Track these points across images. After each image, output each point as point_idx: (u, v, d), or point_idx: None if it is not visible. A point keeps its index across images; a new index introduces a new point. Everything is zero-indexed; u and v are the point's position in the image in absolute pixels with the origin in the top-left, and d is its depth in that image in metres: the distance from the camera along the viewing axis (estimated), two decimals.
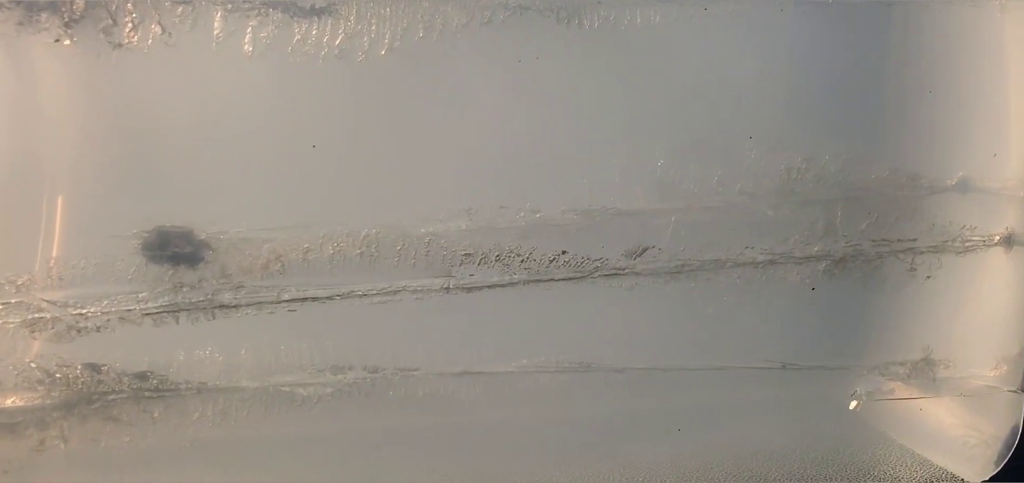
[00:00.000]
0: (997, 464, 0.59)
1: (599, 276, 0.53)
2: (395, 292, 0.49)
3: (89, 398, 0.48)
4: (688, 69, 0.53)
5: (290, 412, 0.51)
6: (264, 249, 0.47)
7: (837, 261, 0.56)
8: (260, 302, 0.47)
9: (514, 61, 0.50)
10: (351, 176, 0.48)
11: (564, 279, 0.52)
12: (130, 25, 0.44)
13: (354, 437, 0.52)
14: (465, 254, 0.50)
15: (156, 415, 0.49)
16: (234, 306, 0.47)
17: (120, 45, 0.44)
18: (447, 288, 0.50)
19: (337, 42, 0.47)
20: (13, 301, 0.45)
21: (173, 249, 0.47)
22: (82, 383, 0.47)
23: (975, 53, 0.57)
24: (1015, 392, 0.59)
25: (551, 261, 0.52)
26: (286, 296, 0.48)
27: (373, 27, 0.48)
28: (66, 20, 0.43)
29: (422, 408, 0.53)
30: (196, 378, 0.49)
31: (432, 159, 0.50)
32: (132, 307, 0.46)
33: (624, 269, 0.53)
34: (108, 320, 0.46)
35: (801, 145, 0.55)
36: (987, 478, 0.60)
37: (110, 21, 0.43)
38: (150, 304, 0.46)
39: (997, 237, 0.58)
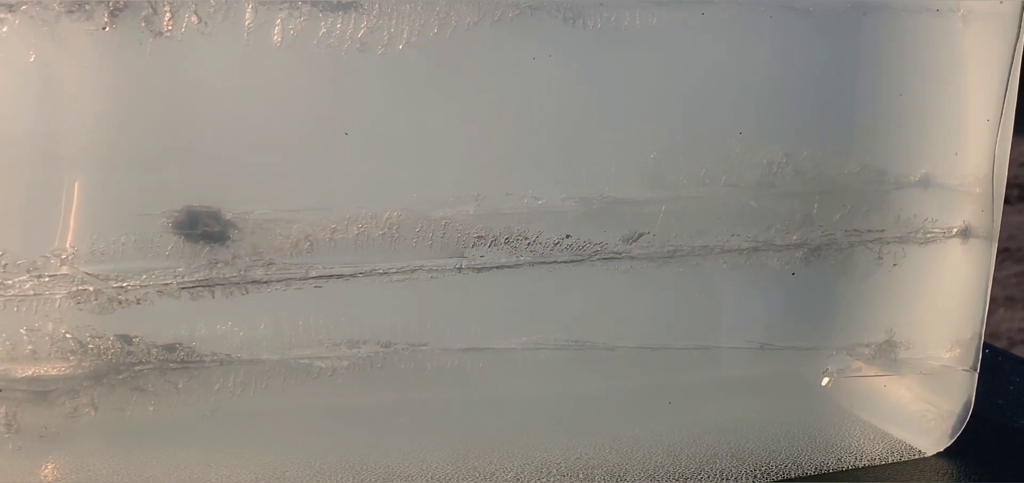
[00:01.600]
0: (952, 436, 0.64)
1: (598, 259, 0.56)
2: (412, 270, 0.52)
3: (118, 368, 0.50)
4: (681, 69, 0.56)
5: (307, 383, 0.53)
6: (293, 229, 0.50)
7: (813, 249, 0.60)
8: (289, 278, 0.50)
9: (523, 57, 0.53)
10: (373, 162, 0.51)
11: (566, 261, 0.56)
12: (169, 14, 0.46)
13: (368, 408, 0.55)
14: (478, 236, 0.53)
15: (180, 385, 0.51)
16: (265, 282, 0.50)
17: (160, 33, 0.46)
18: (459, 268, 0.53)
19: (359, 35, 0.50)
20: (59, 274, 0.47)
21: (202, 227, 0.49)
22: (112, 354, 0.50)
23: (939, 60, 0.61)
24: (968, 371, 0.64)
25: (555, 244, 0.55)
26: (313, 273, 0.51)
27: (393, 23, 0.50)
28: (111, 9, 0.45)
29: (430, 382, 0.56)
30: (221, 351, 0.51)
31: (445, 147, 0.53)
32: (169, 281, 0.48)
33: (621, 253, 0.57)
34: (147, 293, 0.48)
35: (782, 142, 0.58)
36: (942, 449, 0.65)
37: (151, 10, 0.46)
38: (186, 278, 0.49)
39: (955, 230, 0.63)
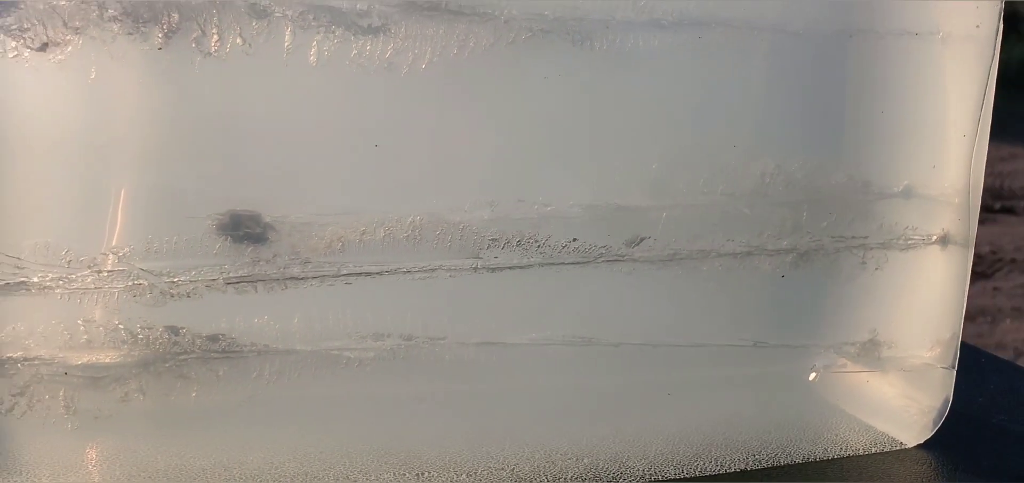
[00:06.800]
0: (931, 430, 0.68)
1: (603, 261, 0.61)
2: (433, 269, 0.57)
3: (165, 357, 0.55)
4: (681, 87, 0.61)
5: (336, 373, 0.58)
6: (327, 231, 0.54)
7: (802, 254, 0.65)
8: (323, 275, 0.55)
9: (535, 76, 0.57)
10: (399, 170, 0.56)
11: (573, 263, 0.60)
12: (216, 36, 0.51)
13: (391, 397, 0.60)
14: (492, 239, 0.58)
15: (221, 373, 0.56)
16: (302, 278, 0.54)
17: (208, 54, 0.51)
18: (475, 268, 0.58)
19: (387, 56, 0.54)
20: (117, 269, 0.51)
21: (244, 229, 0.54)
22: (160, 343, 0.54)
23: (919, 80, 0.65)
24: (947, 369, 0.68)
25: (563, 247, 0.60)
26: (345, 271, 0.55)
27: (417, 45, 0.55)
28: (165, 31, 0.50)
29: (447, 373, 0.61)
30: (259, 341, 0.56)
31: (464, 157, 0.58)
32: (216, 277, 0.53)
33: (624, 256, 0.61)
34: (196, 288, 0.53)
35: (774, 154, 0.63)
36: (922, 441, 0.69)
37: (200, 33, 0.50)
38: (231, 274, 0.53)
39: (934, 237, 0.67)
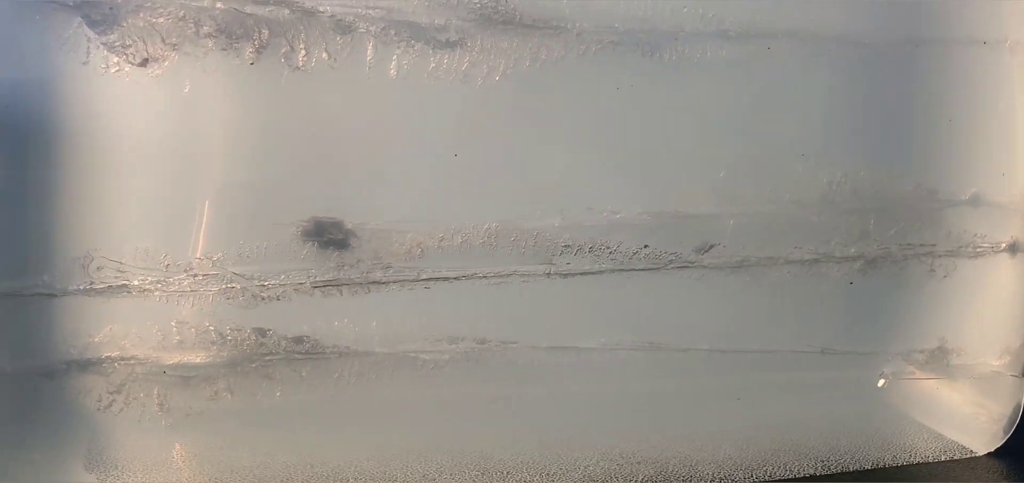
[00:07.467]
0: (1002, 438, 0.67)
1: (672, 268, 0.62)
2: (507, 275, 0.59)
3: (251, 358, 0.57)
4: (748, 97, 0.61)
5: (412, 375, 0.60)
6: (407, 237, 0.56)
7: (870, 261, 0.65)
8: (404, 280, 0.57)
9: (606, 87, 0.59)
10: (475, 179, 0.57)
11: (643, 269, 0.62)
12: (304, 52, 0.53)
13: (464, 399, 0.62)
14: (565, 245, 0.60)
15: (304, 374, 0.59)
16: (384, 282, 0.57)
17: (296, 68, 0.53)
18: (548, 274, 0.60)
19: (462, 69, 0.56)
20: (211, 273, 0.54)
21: (327, 235, 0.56)
22: (248, 345, 0.57)
23: (987, 87, 0.65)
24: (1017, 377, 0.68)
25: (634, 254, 0.61)
26: (424, 276, 0.57)
27: (491, 57, 0.57)
28: (256, 46, 0.52)
29: (519, 377, 0.62)
30: (341, 343, 0.58)
31: (536, 166, 0.59)
32: (303, 281, 0.55)
33: (693, 263, 0.62)
34: (285, 291, 0.55)
35: (841, 163, 0.64)
36: (992, 449, 0.68)
37: (289, 48, 0.53)
38: (318, 278, 0.56)
39: (1003, 245, 0.67)
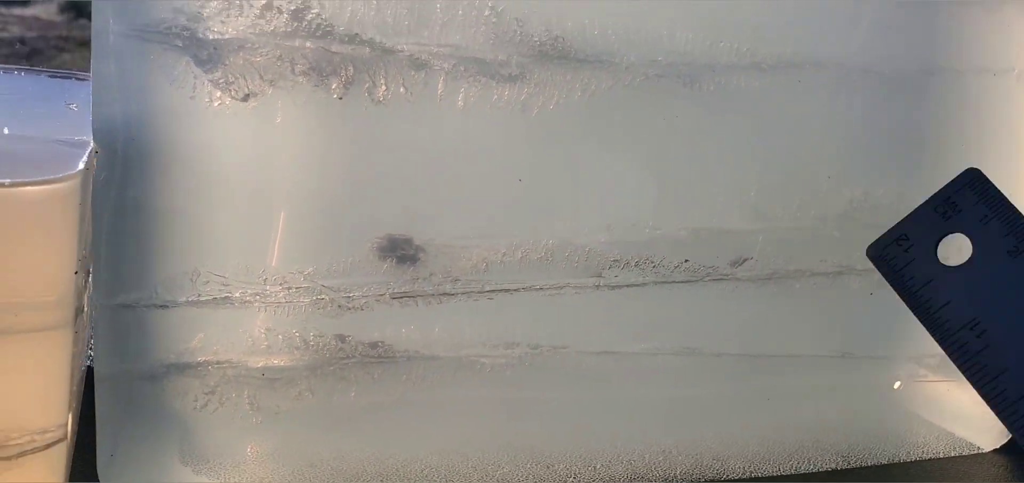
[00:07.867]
0: (1007, 436, 0.73)
1: (709, 280, 0.68)
2: (561, 287, 0.65)
3: (330, 361, 0.63)
4: (778, 123, 0.66)
5: (473, 377, 0.66)
6: (474, 253, 0.62)
7: None
8: (470, 292, 0.63)
9: (648, 115, 0.64)
10: (533, 200, 0.63)
11: (683, 282, 0.67)
12: (384, 86, 0.59)
13: (520, 400, 0.68)
14: (614, 260, 0.65)
15: (376, 376, 0.64)
16: (453, 294, 0.62)
17: (378, 102, 0.59)
18: (597, 286, 0.66)
19: (521, 100, 0.61)
20: (304, 286, 0.60)
21: (399, 251, 0.62)
22: (328, 349, 0.63)
23: (996, 114, 0.71)
24: None
25: (675, 267, 0.67)
26: (488, 288, 0.63)
27: (546, 89, 0.61)
28: (343, 82, 0.58)
29: (569, 379, 0.68)
30: (410, 348, 0.64)
31: (588, 187, 0.65)
32: (383, 292, 0.61)
33: (728, 275, 0.68)
34: (367, 301, 0.61)
35: (861, 182, 0.69)
36: (998, 446, 0.74)
37: (371, 83, 0.58)
38: (396, 290, 0.62)
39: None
